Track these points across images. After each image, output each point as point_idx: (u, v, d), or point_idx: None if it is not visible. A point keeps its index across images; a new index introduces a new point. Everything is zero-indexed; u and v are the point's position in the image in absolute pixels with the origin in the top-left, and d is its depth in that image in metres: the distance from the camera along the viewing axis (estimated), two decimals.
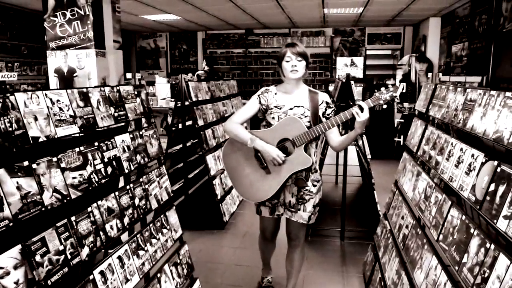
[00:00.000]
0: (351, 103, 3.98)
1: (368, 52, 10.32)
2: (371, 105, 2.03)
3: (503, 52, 5.50)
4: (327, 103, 2.26)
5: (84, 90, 1.78)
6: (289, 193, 2.27)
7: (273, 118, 2.22)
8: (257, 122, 2.41)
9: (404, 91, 7.55)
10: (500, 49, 5.56)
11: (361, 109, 2.00)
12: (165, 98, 7.10)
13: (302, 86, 2.29)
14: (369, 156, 3.61)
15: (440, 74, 6.10)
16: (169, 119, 6.06)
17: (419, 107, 2.52)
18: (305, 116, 2.19)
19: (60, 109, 1.59)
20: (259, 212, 2.38)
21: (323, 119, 2.22)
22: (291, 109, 2.21)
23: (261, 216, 2.40)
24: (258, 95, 2.29)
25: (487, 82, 5.61)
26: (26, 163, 1.34)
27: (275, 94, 2.27)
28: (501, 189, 1.22)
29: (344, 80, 4.04)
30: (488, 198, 1.29)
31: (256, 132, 2.21)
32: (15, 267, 1.23)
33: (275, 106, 2.23)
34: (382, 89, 2.05)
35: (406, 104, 7.43)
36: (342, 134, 2.34)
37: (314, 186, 2.28)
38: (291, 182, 2.24)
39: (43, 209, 1.37)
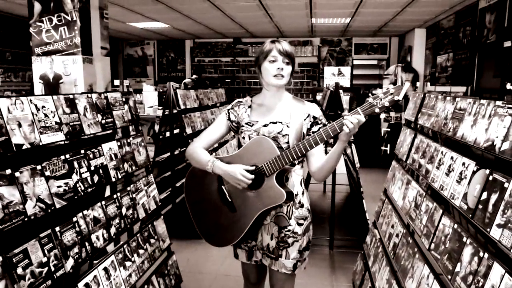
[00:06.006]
0: (339, 113, 4.00)
1: (355, 62, 10.47)
2: (362, 114, 1.44)
3: (486, 63, 5.62)
4: (314, 117, 1.71)
5: (71, 96, 1.74)
6: (267, 234, 1.75)
7: (244, 138, 1.74)
8: None
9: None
10: (484, 60, 5.68)
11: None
12: (152, 106, 7.03)
13: (285, 95, 1.79)
14: (357, 165, 3.62)
15: (428, 83, 6.19)
16: (156, 127, 6.00)
17: (408, 116, 2.53)
18: (283, 135, 1.68)
19: (46, 115, 1.54)
20: (236, 256, 1.92)
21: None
22: (265, 126, 1.71)
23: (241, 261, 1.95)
24: (228, 110, 1.81)
25: (472, 92, 5.73)
26: (8, 171, 1.30)
27: (249, 107, 1.79)
28: (494, 197, 1.22)
29: (333, 89, 4.07)
30: (480, 206, 1.29)
31: (222, 158, 1.75)
32: None
33: (247, 123, 1.75)
34: (379, 91, 1.48)
35: (392, 114, 7.52)
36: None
37: (300, 225, 1.73)
38: (270, 220, 1.73)
39: (26, 219, 1.32)
